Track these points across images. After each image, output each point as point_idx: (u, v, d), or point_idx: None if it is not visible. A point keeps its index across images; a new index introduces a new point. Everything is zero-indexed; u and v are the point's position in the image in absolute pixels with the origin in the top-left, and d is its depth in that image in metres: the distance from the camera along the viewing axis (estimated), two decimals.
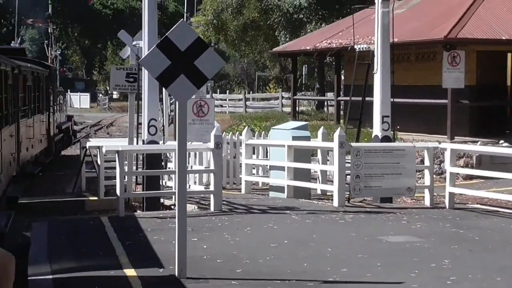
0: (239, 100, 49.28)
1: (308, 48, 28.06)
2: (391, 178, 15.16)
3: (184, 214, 9.32)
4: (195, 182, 17.80)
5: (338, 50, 27.14)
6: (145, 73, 14.68)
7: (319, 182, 17.38)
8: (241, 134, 20.49)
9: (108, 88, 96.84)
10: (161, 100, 52.58)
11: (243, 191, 17.76)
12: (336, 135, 15.16)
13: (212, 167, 14.41)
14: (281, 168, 17.20)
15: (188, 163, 17.24)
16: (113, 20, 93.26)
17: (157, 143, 14.88)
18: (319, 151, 17.61)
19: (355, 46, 17.18)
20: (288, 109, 42.76)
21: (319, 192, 17.67)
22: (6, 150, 15.66)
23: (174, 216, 9.59)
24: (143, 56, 14.50)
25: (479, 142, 21.71)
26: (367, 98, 17.34)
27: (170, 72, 9.27)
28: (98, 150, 16.72)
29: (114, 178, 14.83)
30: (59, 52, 71.40)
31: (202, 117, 17.29)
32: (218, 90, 63.45)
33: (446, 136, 22.47)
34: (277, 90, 59.12)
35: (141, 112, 15.65)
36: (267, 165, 18.74)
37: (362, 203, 16.01)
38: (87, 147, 17.13)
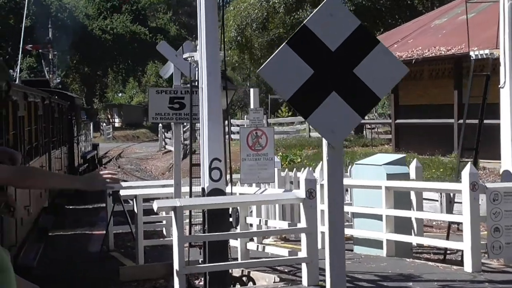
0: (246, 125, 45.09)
1: None
2: None
3: None
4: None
5: None
6: (203, 95, 10.63)
7: (414, 233, 13.27)
8: (299, 170, 16.49)
9: (109, 117, 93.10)
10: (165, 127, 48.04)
11: (319, 245, 13.59)
12: (466, 173, 11.15)
13: (303, 224, 10.28)
14: (370, 216, 13.16)
15: (249, 213, 13.10)
16: (113, 45, 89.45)
17: (223, 192, 10.79)
18: (412, 192, 13.49)
19: (471, 53, 13.11)
20: (316, 134, 38.72)
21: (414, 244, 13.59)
22: None
23: None
24: (202, 71, 10.49)
25: None
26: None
27: (312, 89, 5.24)
28: (134, 200, 12.62)
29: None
30: (59, 80, 67.46)
31: (259, 151, 13.43)
32: None
33: None
34: (289, 114, 55.03)
35: (194, 148, 11.66)
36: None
37: (500, 265, 11.86)
38: (120, 197, 13.01)
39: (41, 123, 17.40)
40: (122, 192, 12.75)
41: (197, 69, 11.68)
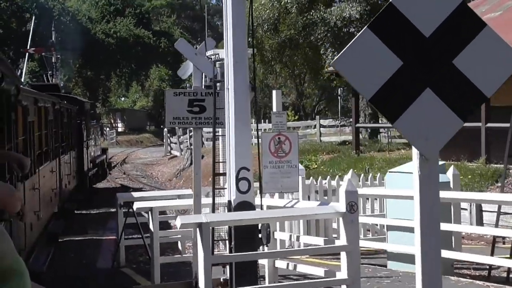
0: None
1: None
2: None
3: None
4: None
5: None
6: (229, 97, 9.51)
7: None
8: (320, 178, 15.43)
9: (112, 122, 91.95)
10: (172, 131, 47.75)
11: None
12: None
13: (342, 241, 9.11)
14: (407, 229, 12.02)
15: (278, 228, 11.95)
16: (116, 49, 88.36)
17: (252, 205, 9.65)
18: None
19: None
20: (327, 138, 37.61)
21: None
22: (46, 186, 15.54)
23: None
24: (228, 70, 9.37)
25: None
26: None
27: (400, 85, 4.11)
28: (149, 213, 11.47)
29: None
30: (62, 84, 66.33)
31: (282, 158, 12.42)
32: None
33: None
34: (295, 118, 53.87)
35: (218, 155, 10.55)
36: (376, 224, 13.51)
37: None
38: (134, 210, 11.83)
39: (51, 128, 17.44)
40: (136, 204, 11.59)
41: (218, 68, 10.58)
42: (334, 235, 14.22)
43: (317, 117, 39.60)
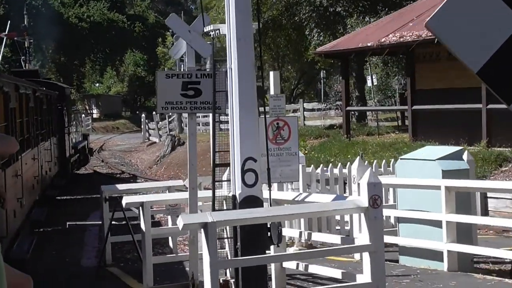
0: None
1: (369, 44, 21.76)
2: None
3: None
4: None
5: (409, 46, 21.02)
6: (232, 78, 8.40)
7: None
8: (327, 165, 14.38)
9: (87, 108, 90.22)
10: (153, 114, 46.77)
11: (357, 256, 11.33)
12: None
13: (364, 239, 8.03)
14: (422, 222, 11.01)
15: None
16: (90, 34, 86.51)
17: (260, 200, 8.55)
18: (477, 194, 11.28)
19: None
20: (311, 122, 36.57)
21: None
22: (28, 174, 15.49)
23: None
24: (231, 47, 8.24)
25: None
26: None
27: None
28: (140, 209, 10.32)
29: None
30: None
31: (281, 145, 11.43)
32: None
33: None
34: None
35: (218, 144, 9.44)
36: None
37: None
38: (123, 206, 10.62)
39: (33, 115, 17.37)
40: (125, 199, 10.41)
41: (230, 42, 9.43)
42: (338, 228, 13.17)
43: (301, 100, 38.45)
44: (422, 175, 11.05)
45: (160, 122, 48.19)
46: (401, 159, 11.88)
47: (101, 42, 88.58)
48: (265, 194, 9.30)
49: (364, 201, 7.96)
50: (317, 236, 9.90)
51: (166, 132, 44.90)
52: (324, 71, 43.96)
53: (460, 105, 19.88)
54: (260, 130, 10.55)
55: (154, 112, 55.79)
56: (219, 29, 9.06)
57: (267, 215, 7.66)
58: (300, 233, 10.17)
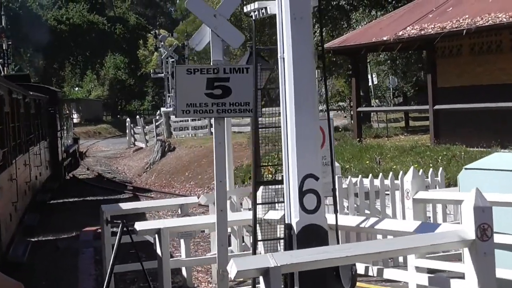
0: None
1: (385, 38, 19.78)
2: None
3: None
4: None
5: (431, 40, 19.08)
6: (285, 71, 6.43)
7: None
8: (366, 177, 12.42)
9: (67, 113, 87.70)
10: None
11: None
12: None
13: (472, 282, 6.04)
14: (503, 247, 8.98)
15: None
16: (70, 36, 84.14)
17: (324, 231, 6.55)
18: None
19: None
20: None
21: None
22: (21, 179, 15.51)
23: None
24: (282, 30, 6.26)
25: None
26: None
27: None
28: (156, 237, 8.26)
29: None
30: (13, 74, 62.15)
31: None
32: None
33: None
34: (262, 103, 50.74)
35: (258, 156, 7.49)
36: None
37: None
38: (137, 232, 8.54)
39: (25, 119, 17.55)
40: (139, 225, 8.34)
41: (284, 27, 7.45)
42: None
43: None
44: (497, 188, 9.05)
45: (147, 127, 46.05)
46: (465, 169, 9.86)
47: (81, 44, 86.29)
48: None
49: (469, 232, 5.98)
50: (391, 274, 7.84)
51: (154, 136, 42.79)
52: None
53: (490, 103, 17.98)
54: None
55: (137, 116, 53.72)
56: (265, 8, 7.06)
57: (348, 255, 5.63)
58: (367, 267, 8.14)
